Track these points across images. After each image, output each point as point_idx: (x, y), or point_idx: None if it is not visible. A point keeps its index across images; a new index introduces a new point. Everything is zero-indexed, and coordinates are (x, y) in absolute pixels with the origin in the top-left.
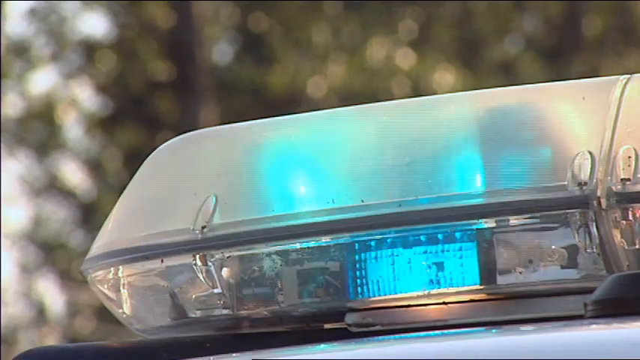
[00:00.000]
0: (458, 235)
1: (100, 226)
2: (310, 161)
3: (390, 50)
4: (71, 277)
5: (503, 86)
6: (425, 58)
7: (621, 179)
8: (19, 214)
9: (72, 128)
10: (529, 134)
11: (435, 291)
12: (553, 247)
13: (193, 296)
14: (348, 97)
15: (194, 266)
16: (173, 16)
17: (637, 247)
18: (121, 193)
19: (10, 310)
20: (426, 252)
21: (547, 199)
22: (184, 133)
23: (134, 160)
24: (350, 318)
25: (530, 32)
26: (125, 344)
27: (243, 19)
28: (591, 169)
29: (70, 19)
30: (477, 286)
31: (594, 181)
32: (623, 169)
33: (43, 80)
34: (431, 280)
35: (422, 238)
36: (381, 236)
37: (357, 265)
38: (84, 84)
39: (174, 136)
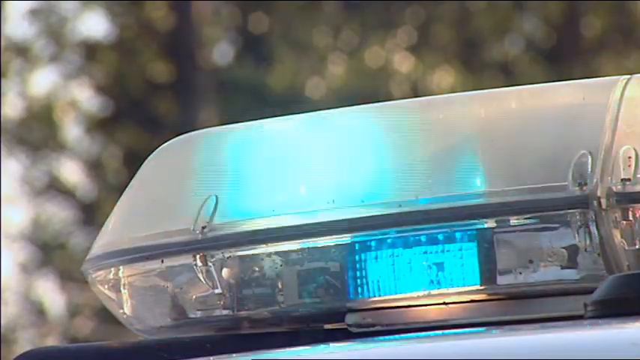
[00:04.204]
0: (458, 235)
1: (101, 227)
2: (310, 161)
3: (389, 51)
4: (71, 278)
5: (503, 87)
6: (424, 58)
7: (621, 179)
8: (19, 215)
9: (72, 129)
10: (529, 134)
11: (435, 291)
12: (553, 247)
13: (194, 296)
14: (347, 98)
15: (194, 266)
16: (173, 16)
17: (637, 247)
18: (121, 193)
19: (10, 310)
20: (426, 252)
21: (547, 199)
22: (184, 133)
23: (134, 160)
24: (350, 318)
25: (530, 32)
26: (125, 344)
27: (243, 19)
28: (591, 169)
29: (70, 20)
30: (477, 287)
31: (594, 181)
32: (623, 169)
33: (43, 81)
34: (431, 281)
35: (422, 238)
36: (381, 236)
37: (357, 265)
38: (84, 84)
39: (174, 137)
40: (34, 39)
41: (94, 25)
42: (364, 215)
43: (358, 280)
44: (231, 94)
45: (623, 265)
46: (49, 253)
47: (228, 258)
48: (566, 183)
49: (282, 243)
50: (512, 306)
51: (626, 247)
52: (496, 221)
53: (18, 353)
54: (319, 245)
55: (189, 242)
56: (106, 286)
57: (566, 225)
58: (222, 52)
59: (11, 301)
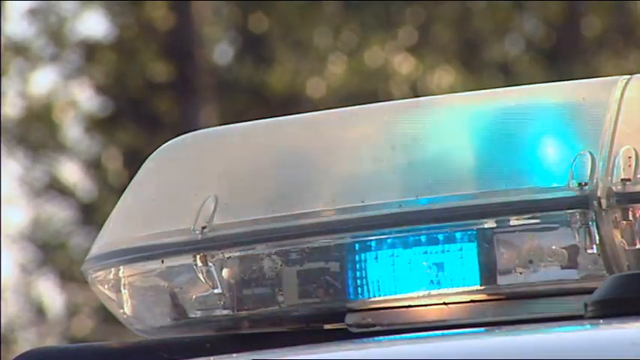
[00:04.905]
0: (458, 235)
1: (101, 227)
2: (310, 161)
3: (389, 51)
4: (71, 277)
5: (503, 86)
6: (424, 58)
7: (621, 179)
8: (19, 215)
9: (72, 128)
10: (529, 134)
11: (435, 291)
12: (553, 247)
13: (194, 296)
14: (347, 98)
15: (194, 266)
16: (173, 16)
17: (637, 247)
18: (121, 193)
19: (10, 310)
20: (426, 252)
21: (547, 199)
22: (184, 133)
23: (134, 160)
24: (350, 318)
25: (530, 32)
26: (125, 344)
27: (243, 19)
28: (591, 169)
29: (69, 19)
30: (478, 287)
31: (594, 181)
32: (623, 169)
33: (43, 80)
34: (431, 281)
35: (422, 238)
36: (381, 236)
37: (357, 265)
38: (84, 84)
39: (174, 136)
40: (34, 39)
41: (94, 25)
42: (364, 215)
43: (358, 280)
44: (231, 94)
45: (623, 265)
46: (49, 253)
47: (228, 258)
48: (566, 183)
49: (282, 243)
50: (512, 306)
51: (626, 247)
52: (496, 221)
53: (18, 353)
54: (319, 245)
55: (189, 242)
56: (106, 286)
57: (566, 225)
58: (222, 52)
59: (11, 301)
